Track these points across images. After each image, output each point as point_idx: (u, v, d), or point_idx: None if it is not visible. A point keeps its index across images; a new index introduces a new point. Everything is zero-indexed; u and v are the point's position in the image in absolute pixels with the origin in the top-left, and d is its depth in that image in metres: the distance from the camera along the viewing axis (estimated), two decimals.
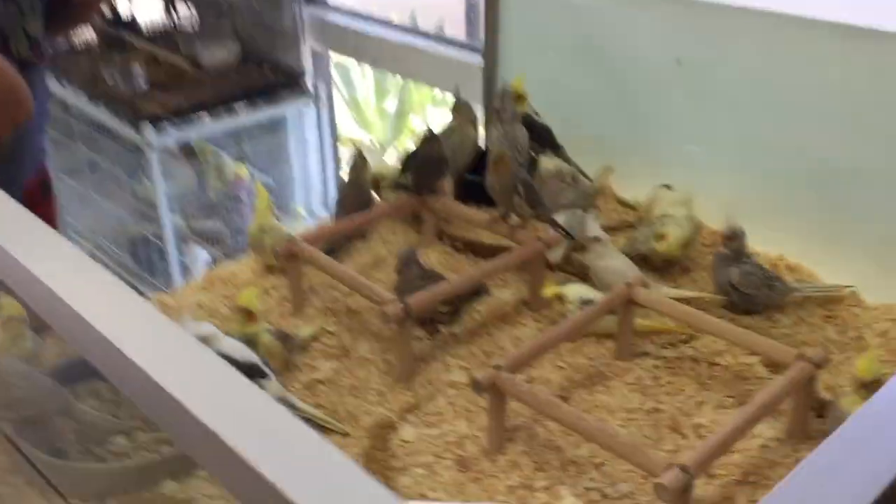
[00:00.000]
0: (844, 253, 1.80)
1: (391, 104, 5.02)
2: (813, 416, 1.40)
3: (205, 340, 1.40)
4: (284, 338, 1.59)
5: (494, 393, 1.32)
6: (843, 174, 1.77)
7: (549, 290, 1.63)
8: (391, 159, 4.65)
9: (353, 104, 5.10)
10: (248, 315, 1.52)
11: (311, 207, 3.50)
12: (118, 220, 3.55)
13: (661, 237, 1.79)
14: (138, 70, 3.01)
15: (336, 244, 1.95)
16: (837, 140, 1.75)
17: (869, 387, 1.25)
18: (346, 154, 5.03)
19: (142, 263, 3.45)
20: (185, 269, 3.21)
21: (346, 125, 5.13)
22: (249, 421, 0.65)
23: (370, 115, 5.12)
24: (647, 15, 1.99)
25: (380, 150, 4.98)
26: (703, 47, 1.91)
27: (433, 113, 5.00)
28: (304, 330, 1.68)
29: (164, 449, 1.42)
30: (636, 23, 2.02)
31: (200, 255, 3.33)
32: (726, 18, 1.85)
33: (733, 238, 1.67)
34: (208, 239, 3.42)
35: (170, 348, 0.76)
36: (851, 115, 1.72)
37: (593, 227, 1.72)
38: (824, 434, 1.41)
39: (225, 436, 0.61)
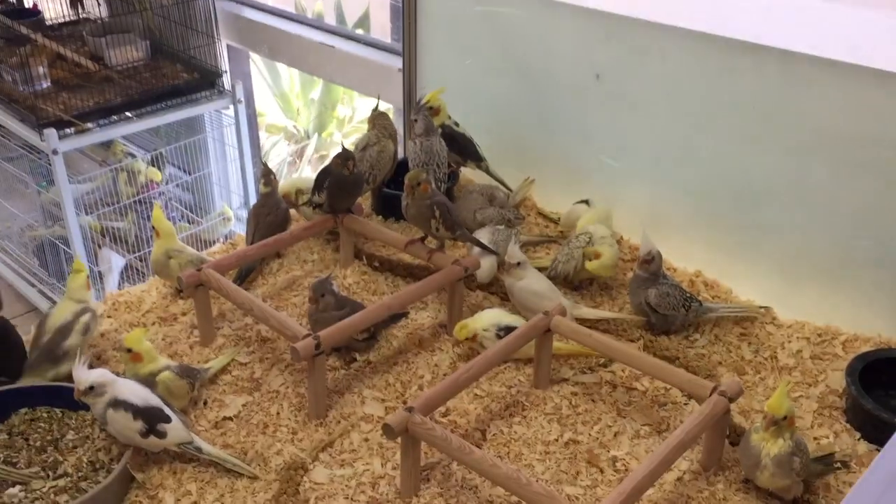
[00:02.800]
0: (759, 269, 1.81)
1: (318, 94, 4.91)
2: (727, 444, 1.41)
3: (100, 388, 1.32)
4: (190, 373, 1.51)
5: (407, 437, 1.27)
6: (757, 189, 1.77)
7: (461, 333, 1.59)
8: (309, 172, 4.55)
9: (279, 93, 4.96)
10: (134, 356, 1.44)
11: (233, 208, 3.38)
12: (24, 223, 3.37)
13: (594, 256, 1.77)
14: (40, 69, 2.83)
15: (251, 264, 1.87)
16: (750, 156, 1.76)
17: (779, 423, 1.26)
18: (270, 142, 4.92)
19: (49, 268, 3.28)
20: (95, 275, 3.06)
21: (273, 114, 4.99)
22: None
23: (296, 104, 5.00)
24: (566, 26, 1.96)
25: (304, 137, 4.87)
26: (621, 60, 1.89)
27: (360, 103, 4.90)
28: (213, 363, 1.60)
29: (61, 499, 1.34)
30: (555, 34, 1.98)
31: (109, 258, 3.19)
32: (643, 33, 1.83)
33: (650, 261, 1.67)
34: (119, 241, 3.28)
35: None
36: (764, 131, 1.72)
37: (514, 252, 1.69)
38: (737, 463, 1.43)
39: None
